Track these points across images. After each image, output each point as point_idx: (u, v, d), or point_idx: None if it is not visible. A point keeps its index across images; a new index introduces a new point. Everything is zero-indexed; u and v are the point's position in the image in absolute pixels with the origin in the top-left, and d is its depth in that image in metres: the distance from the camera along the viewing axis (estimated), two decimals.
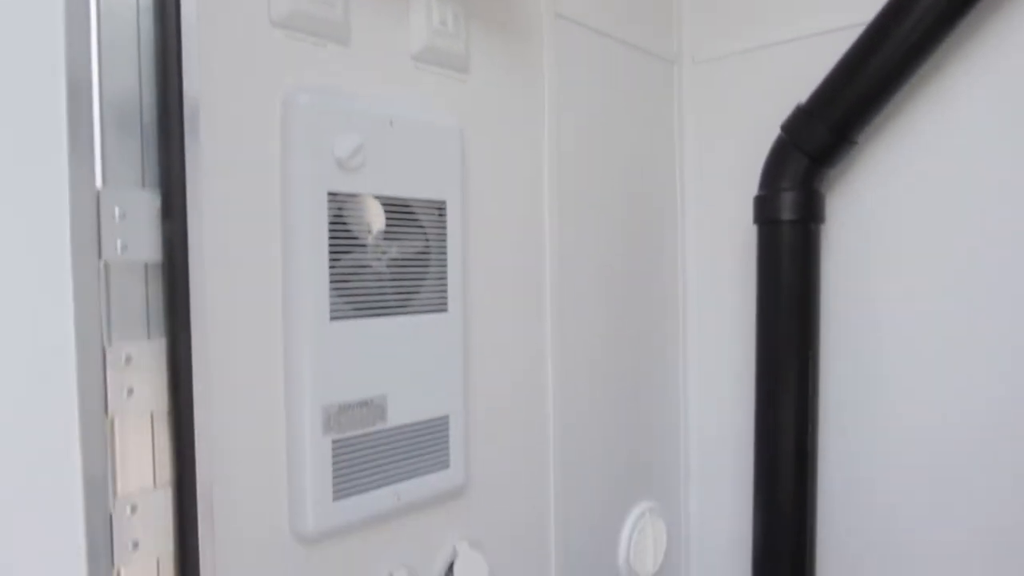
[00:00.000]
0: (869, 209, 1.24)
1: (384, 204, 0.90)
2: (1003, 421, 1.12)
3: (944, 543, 1.18)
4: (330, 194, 0.84)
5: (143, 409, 0.50)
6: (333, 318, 0.85)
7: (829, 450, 1.28)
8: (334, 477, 0.86)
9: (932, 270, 1.18)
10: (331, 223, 0.84)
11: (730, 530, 1.41)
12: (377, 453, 0.90)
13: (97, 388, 0.47)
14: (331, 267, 0.84)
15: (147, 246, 0.51)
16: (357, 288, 0.87)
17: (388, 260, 0.91)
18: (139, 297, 0.50)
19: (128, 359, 0.49)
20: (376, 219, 0.90)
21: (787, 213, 1.20)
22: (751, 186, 1.26)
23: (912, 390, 1.20)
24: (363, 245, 0.88)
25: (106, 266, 0.50)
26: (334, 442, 0.85)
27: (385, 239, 0.91)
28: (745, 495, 1.30)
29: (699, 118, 1.44)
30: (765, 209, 1.23)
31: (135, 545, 0.50)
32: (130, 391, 0.49)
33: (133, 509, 0.50)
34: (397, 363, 0.92)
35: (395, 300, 0.92)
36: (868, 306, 1.25)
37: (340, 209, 0.85)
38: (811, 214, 1.21)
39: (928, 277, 1.19)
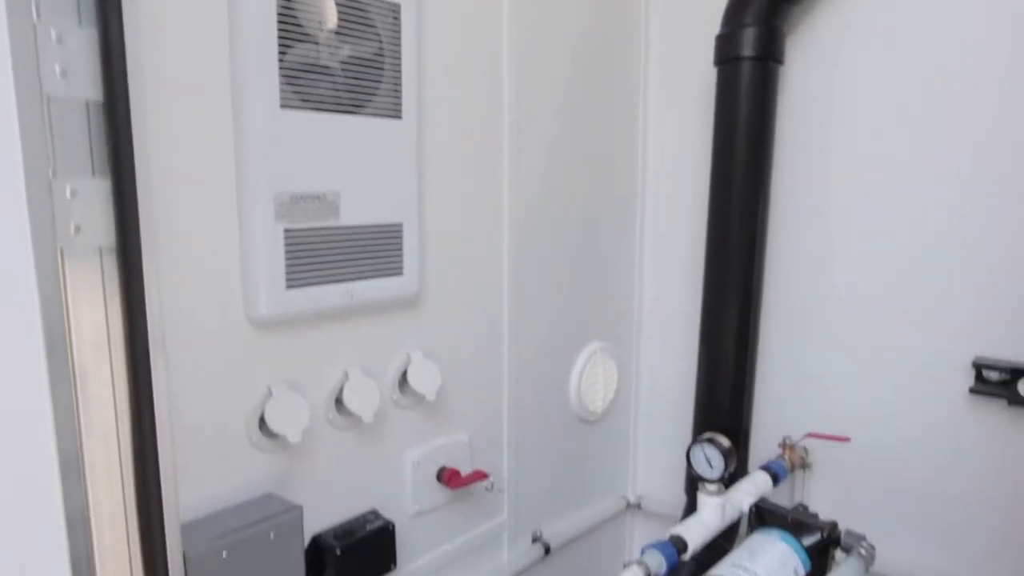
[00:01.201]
0: (828, 52, 1.25)
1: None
2: (948, 243, 1.17)
3: (873, 387, 1.25)
4: None
5: (78, 97, 0.50)
6: (284, 106, 0.85)
7: (775, 286, 1.33)
8: (287, 265, 0.88)
9: (887, 114, 1.20)
10: (280, 10, 0.83)
11: (677, 373, 1.48)
12: (330, 248, 0.92)
13: (31, 67, 0.47)
14: (281, 53, 0.84)
15: None
16: (308, 81, 0.87)
17: (341, 59, 0.90)
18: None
19: (59, 39, 0.49)
20: (328, 14, 0.89)
21: (748, 50, 1.20)
22: (715, 30, 1.26)
23: (859, 224, 1.25)
24: (314, 39, 0.88)
25: None
26: (286, 231, 0.87)
27: (337, 36, 0.90)
28: (694, 338, 1.35)
29: None
30: (726, 47, 1.23)
31: (77, 229, 0.51)
32: (63, 72, 0.49)
33: (73, 193, 0.51)
34: (351, 163, 0.93)
35: (348, 100, 0.92)
36: (820, 148, 1.27)
37: None
38: (771, 52, 1.21)
39: (883, 121, 1.21)
